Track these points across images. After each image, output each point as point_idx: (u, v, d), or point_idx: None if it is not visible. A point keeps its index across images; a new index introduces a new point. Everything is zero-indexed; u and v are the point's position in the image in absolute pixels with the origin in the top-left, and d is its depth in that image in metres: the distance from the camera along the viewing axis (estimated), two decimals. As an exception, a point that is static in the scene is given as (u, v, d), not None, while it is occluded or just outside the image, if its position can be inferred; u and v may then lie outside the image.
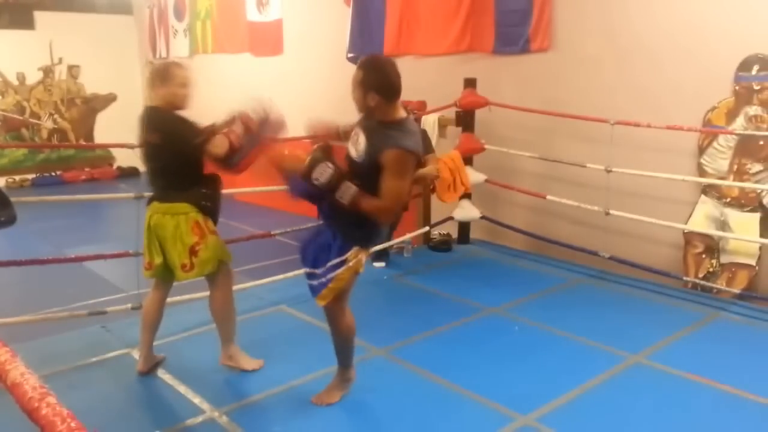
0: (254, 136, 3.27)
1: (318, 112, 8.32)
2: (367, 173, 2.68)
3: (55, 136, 11.35)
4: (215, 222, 3.41)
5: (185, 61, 10.12)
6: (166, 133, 3.17)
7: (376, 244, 2.90)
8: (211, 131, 3.25)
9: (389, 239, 5.51)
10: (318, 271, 2.89)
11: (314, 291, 2.94)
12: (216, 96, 10.35)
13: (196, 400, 3.19)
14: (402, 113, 2.77)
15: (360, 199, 2.67)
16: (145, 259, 3.38)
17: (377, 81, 2.66)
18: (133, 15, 11.85)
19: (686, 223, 4.93)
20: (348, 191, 2.68)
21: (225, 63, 9.65)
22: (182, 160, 3.19)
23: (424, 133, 5.57)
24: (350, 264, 2.83)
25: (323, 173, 2.68)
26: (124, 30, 11.75)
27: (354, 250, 2.82)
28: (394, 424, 3.01)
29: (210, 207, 3.35)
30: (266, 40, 8.83)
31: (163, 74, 3.24)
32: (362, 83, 2.67)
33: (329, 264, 2.84)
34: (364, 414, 3.10)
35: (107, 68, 11.55)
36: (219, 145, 3.15)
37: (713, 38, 4.69)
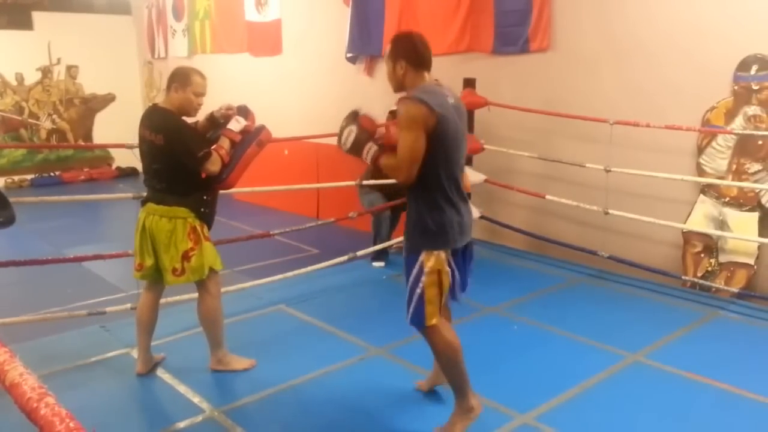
0: (238, 150, 3.32)
1: (317, 112, 8.32)
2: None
3: (54, 136, 11.36)
4: (210, 228, 3.41)
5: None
6: (171, 137, 3.17)
7: (449, 242, 2.64)
8: (209, 144, 3.27)
9: (389, 238, 5.53)
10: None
11: (413, 320, 2.71)
12: (214, 97, 10.38)
13: (196, 399, 3.20)
14: (428, 80, 2.70)
15: (380, 156, 2.67)
16: (136, 261, 3.38)
17: (404, 50, 2.68)
18: (132, 15, 11.85)
19: (685, 223, 4.95)
20: (371, 151, 2.69)
21: (224, 63, 9.65)
22: (183, 165, 3.21)
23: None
24: (427, 270, 2.63)
25: (348, 137, 2.72)
26: (122, 30, 11.75)
27: (424, 254, 2.63)
28: (393, 423, 3.02)
29: (208, 213, 3.36)
30: (265, 40, 8.84)
31: (184, 79, 3.22)
32: (391, 54, 2.70)
33: (408, 285, 2.68)
34: (363, 413, 3.11)
35: (106, 68, 11.56)
36: (215, 162, 3.21)
37: (712, 38, 4.71)
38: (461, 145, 2.68)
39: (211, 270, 3.37)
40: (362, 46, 7.28)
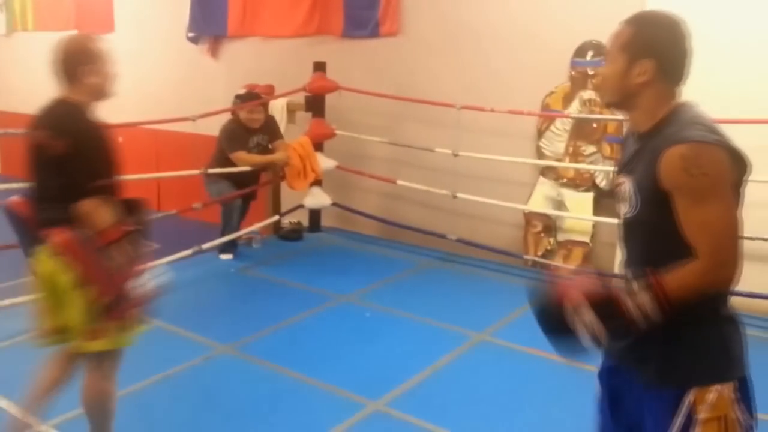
0: None
1: (156, 96, 7.92)
2: (646, 221, 1.59)
3: None
4: None
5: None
6: None
7: (741, 367, 1.59)
8: None
9: (239, 229, 5.43)
10: None
11: None
12: (37, 80, 9.59)
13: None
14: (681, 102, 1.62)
15: (666, 287, 1.49)
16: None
17: (661, 42, 1.58)
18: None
19: (526, 204, 5.32)
20: (644, 300, 1.49)
21: (48, 42, 8.89)
22: None
23: (271, 119, 5.56)
24: (702, 417, 1.53)
25: (586, 328, 1.60)
26: None
27: (693, 392, 1.54)
28: (243, 421, 3.01)
29: None
30: (94, 16, 8.28)
31: None
32: (629, 45, 1.59)
33: None
34: (211, 415, 3.06)
35: None
36: None
37: (552, 24, 5.08)
38: None
39: None
40: (205, 25, 7.05)
